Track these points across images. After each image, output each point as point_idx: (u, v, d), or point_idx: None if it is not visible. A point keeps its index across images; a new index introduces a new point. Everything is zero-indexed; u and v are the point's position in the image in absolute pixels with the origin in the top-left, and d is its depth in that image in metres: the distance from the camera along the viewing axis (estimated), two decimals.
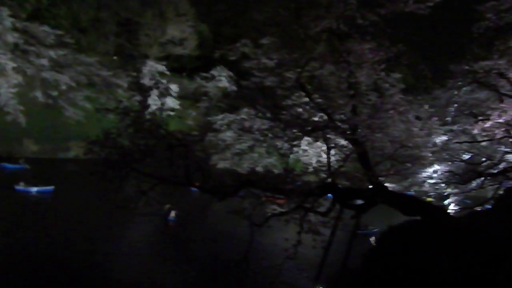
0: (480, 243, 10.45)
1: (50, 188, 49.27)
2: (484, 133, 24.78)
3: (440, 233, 11.24)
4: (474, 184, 29.04)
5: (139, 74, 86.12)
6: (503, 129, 23.40)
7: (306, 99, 18.92)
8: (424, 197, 32.60)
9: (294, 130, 18.51)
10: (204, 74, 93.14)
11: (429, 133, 29.47)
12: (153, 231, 41.28)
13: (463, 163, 29.13)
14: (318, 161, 22.38)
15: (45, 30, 77.14)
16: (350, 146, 19.00)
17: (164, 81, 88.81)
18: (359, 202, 19.44)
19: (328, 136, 18.83)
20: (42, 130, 74.20)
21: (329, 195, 19.52)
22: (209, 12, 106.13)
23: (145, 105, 19.45)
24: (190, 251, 35.51)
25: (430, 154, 28.18)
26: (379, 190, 18.32)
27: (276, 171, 20.51)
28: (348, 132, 18.34)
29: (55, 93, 75.21)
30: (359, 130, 18.25)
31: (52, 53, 76.38)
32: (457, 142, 27.86)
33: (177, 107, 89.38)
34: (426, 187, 31.20)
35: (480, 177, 27.96)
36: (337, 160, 19.61)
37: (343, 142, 19.48)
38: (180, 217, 42.18)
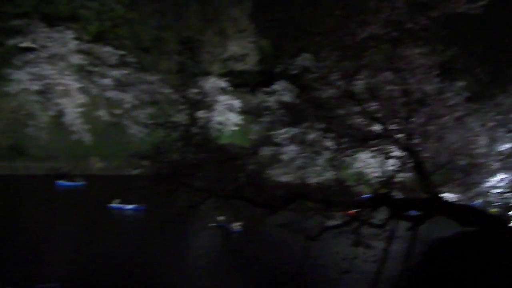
0: None
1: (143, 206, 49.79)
2: None
3: (497, 245, 10.56)
4: None
5: (201, 91, 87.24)
6: None
7: (358, 109, 18.38)
8: (488, 208, 31.38)
9: (345, 140, 18.02)
10: (266, 89, 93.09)
11: (492, 141, 28.38)
12: (216, 243, 42.43)
13: None
14: (375, 172, 21.77)
15: (109, 50, 79.26)
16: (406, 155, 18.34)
17: (222, 96, 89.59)
18: (414, 213, 18.68)
19: (382, 146, 18.26)
20: (107, 148, 75.69)
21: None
22: (269, 27, 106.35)
23: (194, 119, 19.50)
24: (249, 263, 35.63)
25: (493, 163, 27.12)
26: (435, 201, 17.56)
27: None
28: (402, 141, 17.71)
29: (119, 112, 76.87)
30: (413, 138, 17.60)
31: (115, 72, 78.30)
32: None
33: (240, 122, 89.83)
34: (491, 197, 29.97)
35: None
36: (393, 171, 18.94)
37: (399, 152, 18.85)
38: (242, 228, 42.74)
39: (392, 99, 17.81)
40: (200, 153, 18.39)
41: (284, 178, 24.07)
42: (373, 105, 18.02)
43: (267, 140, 20.36)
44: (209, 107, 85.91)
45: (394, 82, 17.82)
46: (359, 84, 18.46)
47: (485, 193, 29.14)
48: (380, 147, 18.40)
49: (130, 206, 49.17)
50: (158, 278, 31.79)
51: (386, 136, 17.72)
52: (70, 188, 64.16)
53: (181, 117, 17.74)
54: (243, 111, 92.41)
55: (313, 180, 20.74)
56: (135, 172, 18.84)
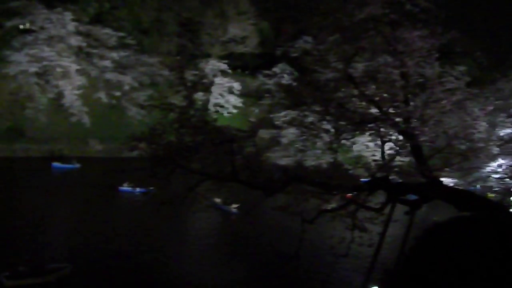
0: None
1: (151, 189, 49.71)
2: None
3: (493, 231, 10.44)
4: None
5: (201, 73, 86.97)
6: None
7: (356, 92, 18.19)
8: (488, 193, 31.33)
9: (343, 123, 17.86)
10: (266, 72, 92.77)
11: (492, 125, 28.28)
12: (214, 225, 42.86)
13: None
14: (373, 156, 21.67)
15: (108, 32, 79.05)
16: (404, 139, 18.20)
17: (221, 78, 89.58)
18: (413, 197, 18.57)
19: (380, 129, 18.11)
20: (106, 130, 75.53)
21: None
22: (270, 9, 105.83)
23: (191, 101, 19.35)
24: (246, 245, 36.43)
25: (493, 148, 27.00)
26: (433, 185, 17.43)
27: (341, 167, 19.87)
28: (400, 125, 17.56)
29: (118, 94, 76.64)
30: (411, 122, 17.45)
31: (114, 54, 78.05)
32: None
33: (240, 105, 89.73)
34: (491, 182, 29.91)
35: None
36: (391, 155, 18.79)
37: (397, 135, 18.70)
38: (240, 211, 43.03)
39: (390, 82, 17.65)
40: (196, 135, 18.22)
41: (283, 161, 23.96)
42: (371, 88, 17.83)
43: (265, 123, 20.14)
44: (207, 89, 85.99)
45: (392, 65, 17.66)
46: (358, 67, 18.29)
47: (485, 178, 29.14)
48: (378, 130, 18.27)
49: (139, 189, 48.96)
50: (157, 260, 31.95)
51: (383, 120, 17.56)
52: (65, 170, 64.48)
53: (178, 99, 17.50)
54: (243, 94, 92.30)
55: (310, 163, 20.64)
56: (132, 154, 18.68)
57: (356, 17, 16.15)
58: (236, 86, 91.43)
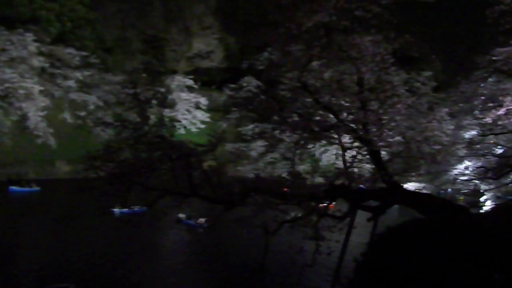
0: (485, 245, 9.52)
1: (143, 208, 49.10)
2: (500, 122, 23.57)
3: (448, 232, 10.34)
4: (510, 178, 27.70)
5: (167, 89, 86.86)
6: None
7: (311, 100, 18.09)
8: (457, 195, 31.47)
9: (299, 133, 17.78)
10: (233, 85, 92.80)
11: (456, 128, 28.42)
12: (180, 240, 42.82)
13: (495, 158, 27.87)
14: (334, 164, 21.57)
15: (71, 52, 78.40)
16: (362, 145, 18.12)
17: (188, 94, 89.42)
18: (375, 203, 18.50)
19: (337, 136, 18.05)
20: (73, 151, 74.61)
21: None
22: (234, 23, 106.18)
23: (145, 117, 19.10)
24: (215, 259, 36.42)
25: (459, 150, 27.15)
26: (393, 190, 17.38)
27: (307, 177, 19.71)
28: (357, 131, 17.50)
29: (83, 114, 75.90)
30: (368, 128, 17.40)
31: (78, 74, 77.36)
32: (483, 135, 26.63)
33: (207, 119, 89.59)
34: (459, 185, 30.03)
35: None
36: (349, 161, 18.68)
37: (356, 142, 18.63)
38: (207, 224, 43.00)
39: (344, 89, 17.61)
40: (153, 151, 17.96)
41: (251, 174, 23.76)
42: (326, 96, 17.75)
43: (231, 137, 19.96)
44: (163, 104, 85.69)
45: (346, 71, 17.61)
46: (312, 75, 18.21)
47: (453, 180, 29.25)
48: (337, 138, 18.19)
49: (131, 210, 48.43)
50: (125, 278, 31.54)
51: (340, 127, 17.49)
52: (23, 194, 63.12)
53: (133, 116, 17.33)
54: (210, 109, 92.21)
55: (269, 173, 20.50)
56: (91, 174, 18.29)
57: (305, 26, 16.03)
58: (203, 101, 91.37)
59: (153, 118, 18.71)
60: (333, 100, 17.75)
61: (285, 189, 17.39)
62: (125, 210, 48.06)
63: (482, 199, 31.20)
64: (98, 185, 17.42)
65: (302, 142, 18.21)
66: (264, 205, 16.97)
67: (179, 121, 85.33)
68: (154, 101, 19.57)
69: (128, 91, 19.21)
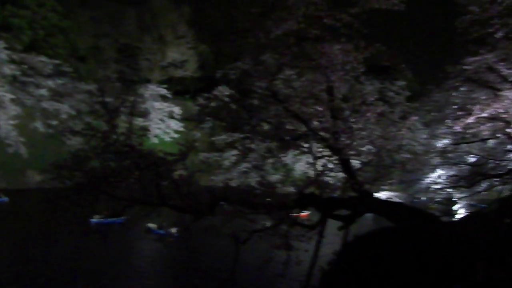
0: (449, 253, 9.47)
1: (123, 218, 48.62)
2: (469, 131, 23.70)
3: (414, 241, 10.29)
4: (482, 186, 27.89)
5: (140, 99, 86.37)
6: (490, 124, 22.39)
7: (281, 109, 18.01)
8: (430, 204, 31.58)
9: (267, 142, 17.72)
10: (207, 95, 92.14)
11: (429, 137, 28.57)
12: (151, 250, 42.44)
13: (468, 166, 28.06)
14: (305, 173, 21.53)
15: (43, 60, 77.32)
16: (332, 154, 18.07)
17: (161, 103, 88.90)
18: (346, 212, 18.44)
19: (308, 145, 18.01)
20: (45, 160, 73.61)
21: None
22: (208, 32, 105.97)
23: (113, 126, 18.86)
24: (183, 269, 36.76)
25: (432, 159, 27.28)
26: (364, 199, 17.33)
27: (279, 186, 19.57)
28: (327, 140, 17.46)
29: (55, 123, 74.92)
30: (338, 136, 17.35)
31: (50, 82, 76.41)
32: (455, 144, 26.79)
33: (181, 129, 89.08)
34: (432, 193, 30.14)
35: (486, 178, 26.86)
36: (319, 170, 18.60)
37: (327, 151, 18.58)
38: (178, 233, 42.76)
39: (315, 97, 17.56)
40: (121, 161, 17.69)
41: (223, 184, 23.57)
42: (296, 104, 17.68)
43: (196, 146, 19.74)
44: (145, 114, 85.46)
45: (316, 80, 17.56)
46: (281, 83, 18.16)
47: (426, 189, 29.38)
48: (306, 147, 18.16)
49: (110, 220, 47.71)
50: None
51: (310, 136, 17.44)
52: None
53: (102, 125, 17.10)
54: (184, 118, 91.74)
55: (240, 183, 20.37)
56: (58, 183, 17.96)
57: (273, 34, 15.95)
58: (177, 110, 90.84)
59: (124, 127, 18.46)
60: (303, 109, 17.70)
61: (254, 199, 17.23)
62: (104, 219, 47.90)
63: (455, 207, 31.35)
64: (66, 195, 17.13)
65: (272, 151, 18.14)
66: (232, 214, 16.85)
67: (149, 130, 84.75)
68: (124, 110, 19.34)
69: (96, 99, 19.01)
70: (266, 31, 15.90)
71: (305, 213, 22.50)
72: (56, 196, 17.20)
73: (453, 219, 27.14)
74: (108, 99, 18.56)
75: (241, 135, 19.93)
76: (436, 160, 27.87)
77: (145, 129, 78.94)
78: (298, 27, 15.94)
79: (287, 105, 17.48)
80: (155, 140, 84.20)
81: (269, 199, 16.82)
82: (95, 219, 48.43)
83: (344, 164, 17.78)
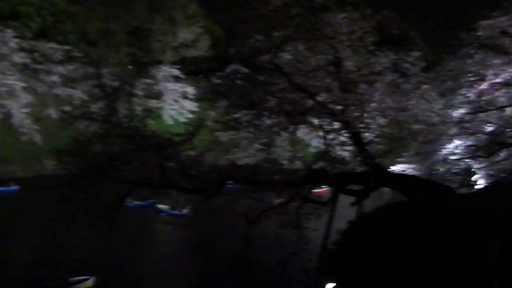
0: (469, 224, 8.88)
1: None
2: (484, 98, 22.93)
3: (427, 215, 9.70)
4: (501, 156, 27.12)
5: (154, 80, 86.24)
6: (504, 90, 21.63)
7: (286, 83, 17.38)
8: (448, 175, 30.90)
9: (275, 117, 17.16)
10: (220, 74, 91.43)
11: (446, 107, 27.82)
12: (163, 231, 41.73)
13: (486, 135, 27.29)
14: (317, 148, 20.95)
15: (53, 47, 77.14)
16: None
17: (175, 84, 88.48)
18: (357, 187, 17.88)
19: (317, 120, 17.41)
20: (60, 147, 73.48)
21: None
22: (219, 10, 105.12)
23: (113, 109, 18.47)
24: (198, 249, 37.13)
25: (448, 129, 26.58)
26: (375, 173, 16.74)
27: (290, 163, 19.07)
28: (337, 113, 16.84)
29: (68, 109, 74.82)
30: (348, 109, 16.70)
31: (61, 69, 76.18)
32: (472, 113, 26.00)
33: (195, 109, 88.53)
34: (450, 164, 29.44)
35: (505, 147, 26.09)
36: (329, 144, 17.98)
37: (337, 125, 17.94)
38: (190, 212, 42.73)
39: (320, 69, 16.89)
40: (125, 144, 17.25)
41: (244, 162, 23.15)
42: (301, 77, 17.03)
43: (202, 125, 19.22)
44: (159, 96, 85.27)
45: (322, 51, 16.90)
46: (286, 56, 17.55)
47: (443, 160, 28.68)
48: (317, 121, 17.58)
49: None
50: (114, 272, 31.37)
51: (317, 110, 16.83)
52: (1, 193, 61.38)
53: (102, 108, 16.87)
54: (198, 98, 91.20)
55: (245, 161, 19.85)
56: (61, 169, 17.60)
57: (271, 5, 15.33)
58: (190, 90, 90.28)
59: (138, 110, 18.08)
60: (310, 81, 17.07)
61: (261, 177, 16.74)
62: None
63: (474, 178, 30.64)
64: (68, 181, 16.78)
65: (281, 126, 17.58)
66: (240, 194, 16.43)
67: (152, 112, 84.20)
68: (123, 92, 18.93)
69: (93, 82, 18.62)
70: (264, 1, 15.30)
71: (324, 189, 21.89)
72: (60, 182, 16.86)
73: (472, 190, 26.48)
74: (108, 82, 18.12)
75: (252, 112, 19.38)
76: (453, 130, 27.09)
77: (149, 111, 78.59)
78: None
79: (291, 78, 16.82)
80: (170, 121, 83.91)
81: (277, 176, 16.33)
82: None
83: (355, 138, 17.18)
